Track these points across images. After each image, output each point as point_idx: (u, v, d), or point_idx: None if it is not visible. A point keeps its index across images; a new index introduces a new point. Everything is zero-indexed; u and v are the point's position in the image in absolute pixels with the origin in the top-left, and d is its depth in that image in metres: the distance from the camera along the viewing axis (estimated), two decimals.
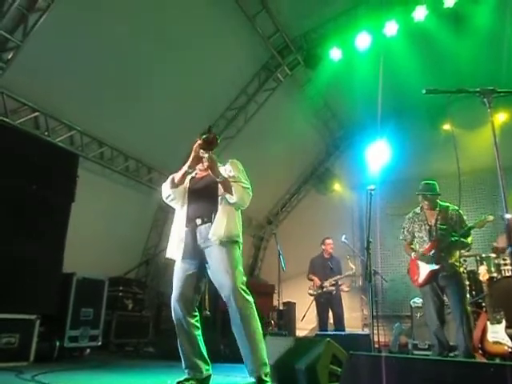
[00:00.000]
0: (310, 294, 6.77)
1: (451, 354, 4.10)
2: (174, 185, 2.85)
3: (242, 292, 2.59)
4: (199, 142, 2.64)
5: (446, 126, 7.84)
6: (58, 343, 4.41)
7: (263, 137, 8.12)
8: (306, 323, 7.52)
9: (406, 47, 6.57)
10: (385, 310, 8.26)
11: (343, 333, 6.07)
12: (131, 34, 5.69)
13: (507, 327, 4.35)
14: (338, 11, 6.83)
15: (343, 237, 6.49)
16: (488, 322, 4.45)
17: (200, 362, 2.75)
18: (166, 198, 2.92)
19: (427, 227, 4.23)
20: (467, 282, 5.69)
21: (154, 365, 4.55)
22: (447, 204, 4.30)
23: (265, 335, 3.68)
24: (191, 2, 5.98)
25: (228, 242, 2.69)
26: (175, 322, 2.77)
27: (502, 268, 5.56)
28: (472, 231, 4.18)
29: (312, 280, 6.82)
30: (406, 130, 8.53)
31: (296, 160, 9.71)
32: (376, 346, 4.49)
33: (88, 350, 4.92)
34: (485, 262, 5.53)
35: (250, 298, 2.63)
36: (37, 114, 5.50)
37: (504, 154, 2.25)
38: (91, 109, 5.96)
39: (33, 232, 4.14)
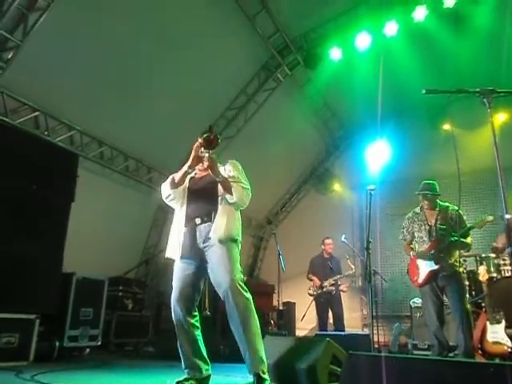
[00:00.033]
0: (310, 295, 6.77)
1: (451, 354, 4.10)
2: (174, 185, 2.85)
3: (240, 288, 2.59)
4: (200, 140, 2.64)
5: (446, 126, 7.83)
6: (57, 343, 4.41)
7: (263, 137, 8.12)
8: (305, 323, 7.53)
9: (406, 47, 6.58)
10: (384, 310, 8.26)
11: (343, 333, 6.07)
12: (131, 33, 5.69)
13: (507, 327, 4.35)
14: (338, 11, 6.83)
15: (343, 237, 6.49)
16: (487, 322, 4.45)
17: (200, 362, 2.75)
18: (166, 198, 2.92)
19: (427, 227, 4.23)
20: (467, 282, 5.69)
21: (153, 365, 4.54)
22: (447, 204, 4.31)
23: (264, 335, 3.69)
24: (191, 2, 5.98)
25: (227, 241, 2.70)
26: (175, 321, 2.77)
27: (502, 268, 5.56)
28: (472, 231, 4.18)
29: (312, 280, 6.82)
30: (406, 129, 8.52)
31: (296, 160, 9.71)
32: (376, 346, 4.49)
33: (88, 350, 4.92)
34: (484, 262, 5.53)
35: (249, 295, 2.63)
36: (37, 113, 5.50)
37: (504, 155, 2.25)
38: (91, 108, 5.96)
39: (33, 232, 4.14)
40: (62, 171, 4.60)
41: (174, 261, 2.87)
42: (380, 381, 1.85)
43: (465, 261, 5.79)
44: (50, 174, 4.43)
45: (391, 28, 6.44)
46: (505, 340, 4.27)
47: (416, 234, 4.33)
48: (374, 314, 4.34)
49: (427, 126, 8.28)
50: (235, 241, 2.77)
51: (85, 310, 4.80)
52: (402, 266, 7.52)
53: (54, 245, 4.36)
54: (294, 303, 8.22)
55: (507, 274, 5.46)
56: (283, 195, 10.61)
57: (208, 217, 2.76)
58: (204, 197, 2.83)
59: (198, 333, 2.81)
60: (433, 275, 4.08)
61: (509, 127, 7.02)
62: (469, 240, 4.16)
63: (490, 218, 4.10)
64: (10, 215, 3.96)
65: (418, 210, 4.40)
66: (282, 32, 7.02)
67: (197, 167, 2.86)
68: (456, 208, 4.17)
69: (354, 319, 8.49)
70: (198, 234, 2.77)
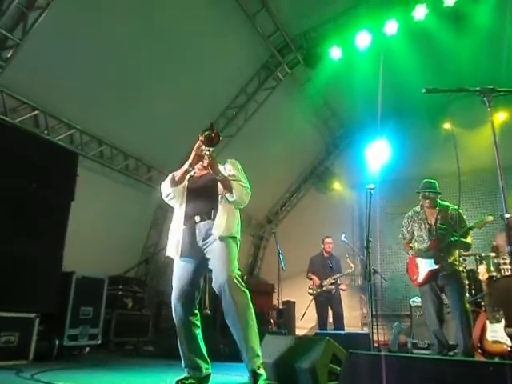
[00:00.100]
0: (310, 294, 6.78)
1: (450, 353, 4.11)
2: (175, 183, 2.85)
3: (237, 282, 2.59)
4: (201, 138, 2.64)
5: (446, 126, 7.83)
6: (57, 342, 4.41)
7: (263, 136, 8.12)
8: (305, 322, 7.53)
9: (406, 46, 6.57)
10: (384, 309, 8.27)
11: (343, 332, 6.08)
12: (131, 34, 5.68)
13: (506, 326, 4.36)
14: (338, 10, 6.82)
15: (343, 236, 6.50)
16: (487, 321, 4.46)
17: (200, 361, 2.76)
18: (166, 197, 2.92)
19: (427, 226, 4.23)
20: (467, 282, 5.70)
21: (153, 363, 4.55)
22: (447, 203, 4.31)
23: (264, 334, 3.69)
24: (191, 1, 5.97)
25: (227, 238, 2.70)
26: (176, 320, 2.77)
27: (502, 267, 5.56)
28: (471, 231, 4.18)
29: (311, 279, 6.83)
30: (406, 129, 8.52)
31: (296, 159, 9.71)
32: (375, 345, 4.50)
33: (87, 349, 4.92)
34: (484, 262, 5.53)
35: (246, 290, 2.63)
36: (36, 112, 5.50)
37: (504, 154, 2.25)
38: (91, 108, 5.96)
39: (33, 231, 4.13)
40: (61, 170, 4.59)
41: (173, 260, 2.87)
42: (380, 380, 1.85)
43: (464, 260, 5.80)
44: (50, 172, 4.43)
45: (391, 27, 6.43)
46: (504, 339, 4.28)
47: (416, 233, 4.33)
48: (374, 312, 4.35)
49: (427, 125, 8.28)
50: (234, 238, 2.77)
51: (85, 309, 4.80)
52: (402, 265, 7.52)
53: (54, 244, 4.36)
54: (294, 302, 8.23)
55: (507, 273, 5.46)
56: (283, 194, 10.62)
57: (208, 215, 2.77)
58: (204, 195, 2.83)
59: (199, 331, 2.82)
60: (432, 274, 4.08)
61: (509, 126, 7.02)
62: (469, 240, 4.16)
63: (490, 218, 4.11)
64: (9, 215, 3.95)
65: (418, 208, 4.40)
66: (282, 31, 7.01)
67: (196, 166, 2.86)
68: (456, 207, 4.17)
69: (353, 318, 8.50)
70: (197, 231, 2.77)
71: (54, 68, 5.25)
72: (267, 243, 10.62)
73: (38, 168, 4.30)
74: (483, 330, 4.45)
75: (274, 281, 6.66)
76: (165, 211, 7.53)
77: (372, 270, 4.31)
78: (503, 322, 4.39)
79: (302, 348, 3.01)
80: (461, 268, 4.37)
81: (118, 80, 5.94)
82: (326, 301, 6.63)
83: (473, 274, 5.75)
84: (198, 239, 2.76)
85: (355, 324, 8.51)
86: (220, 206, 2.77)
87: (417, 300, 6.09)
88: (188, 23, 6.07)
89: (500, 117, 7.49)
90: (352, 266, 6.82)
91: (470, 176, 7.56)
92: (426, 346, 5.60)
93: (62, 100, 5.66)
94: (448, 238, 4.08)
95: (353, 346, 2.35)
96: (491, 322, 4.43)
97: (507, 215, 2.18)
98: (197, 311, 2.84)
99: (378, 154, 8.31)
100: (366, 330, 7.50)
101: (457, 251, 4.20)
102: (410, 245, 4.42)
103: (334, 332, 5.81)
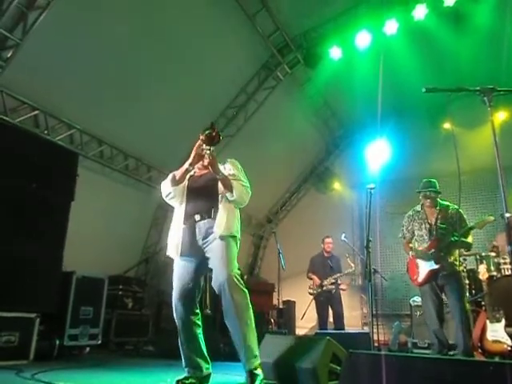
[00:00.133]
0: (310, 293, 6.78)
1: (451, 353, 4.11)
2: (175, 182, 2.86)
3: (237, 281, 2.59)
4: (201, 137, 2.65)
5: (446, 125, 7.83)
6: (57, 342, 4.41)
7: (263, 135, 8.12)
8: (305, 322, 7.53)
9: (406, 46, 6.57)
10: (384, 308, 8.27)
11: (343, 331, 6.09)
12: (131, 34, 5.68)
13: (507, 326, 4.36)
14: (338, 10, 6.82)
15: (343, 235, 6.50)
16: (487, 321, 4.46)
17: (200, 361, 2.76)
18: (166, 196, 2.92)
19: (427, 225, 4.23)
20: (467, 281, 5.71)
21: (153, 363, 4.55)
22: (447, 203, 4.30)
23: (264, 334, 3.69)
24: (191, 1, 5.97)
25: (227, 237, 2.71)
26: (177, 320, 2.77)
27: (502, 267, 5.57)
28: (472, 231, 4.18)
29: (312, 279, 6.83)
30: (406, 128, 8.52)
31: (296, 159, 9.71)
32: (376, 344, 4.50)
33: (88, 349, 4.92)
34: (484, 261, 5.53)
35: (245, 290, 2.63)
36: (36, 112, 5.50)
37: (504, 153, 2.25)
38: (91, 108, 5.96)
39: (33, 231, 4.13)
40: (61, 170, 4.59)
41: (173, 259, 2.87)
42: (380, 379, 1.85)
43: (465, 259, 5.80)
44: (50, 172, 4.43)
45: (391, 27, 6.43)
46: (505, 338, 4.28)
47: (416, 233, 4.33)
48: (374, 312, 4.34)
49: (427, 124, 8.28)
50: (234, 238, 2.77)
51: (85, 309, 4.80)
52: (402, 264, 7.52)
53: (54, 244, 4.36)
54: (294, 302, 8.23)
55: (507, 273, 5.47)
56: (283, 194, 10.62)
57: (208, 213, 2.77)
58: (204, 194, 2.84)
59: (200, 331, 2.82)
60: (432, 274, 4.08)
61: (509, 126, 7.01)
62: (470, 239, 4.15)
63: (491, 218, 4.11)
64: (9, 215, 3.95)
65: (418, 208, 4.40)
66: (282, 31, 7.01)
67: (197, 165, 2.86)
68: (456, 207, 4.17)
69: (354, 318, 8.50)
70: (197, 230, 2.77)
71: (53, 68, 5.25)
72: (267, 243, 10.63)
73: (38, 168, 4.30)
74: (483, 330, 4.45)
75: (274, 280, 6.66)
76: (165, 211, 7.53)
77: (372, 270, 4.31)
78: (503, 321, 4.39)
79: (303, 348, 3.01)
80: (461, 268, 4.36)
81: (117, 80, 5.94)
82: (326, 300, 6.63)
83: (473, 274, 5.75)
84: (197, 238, 2.76)
85: (355, 324, 8.51)
86: (220, 206, 2.77)
87: (417, 300, 6.09)
88: (188, 23, 6.07)
89: (500, 116, 7.49)
90: (352, 265, 6.82)
91: (470, 176, 7.56)
92: (426, 345, 5.60)
93: (62, 100, 5.66)
94: (448, 237, 4.08)
95: (353, 346, 2.35)
96: (491, 322, 4.43)
97: (507, 214, 2.18)
98: (198, 310, 2.84)
99: (377, 153, 8.31)
100: (366, 330, 7.50)
101: (457, 251, 4.20)
102: (410, 245, 4.42)
103: (334, 332, 5.81)
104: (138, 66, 6.04)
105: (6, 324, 3.77)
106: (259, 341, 3.34)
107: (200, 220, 2.77)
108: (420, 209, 4.37)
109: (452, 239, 4.05)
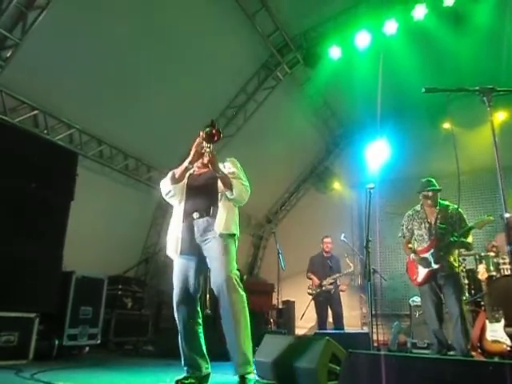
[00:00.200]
0: (309, 294, 6.77)
1: (450, 353, 4.11)
2: (175, 180, 2.85)
3: (236, 284, 2.59)
4: (202, 134, 2.64)
5: (446, 125, 7.83)
6: (57, 341, 4.41)
7: (263, 135, 8.11)
8: (305, 322, 7.53)
9: (406, 46, 6.57)
10: (384, 308, 8.27)
11: (342, 331, 6.09)
12: (131, 33, 5.68)
13: (506, 326, 4.36)
14: (338, 10, 6.82)
15: (342, 235, 6.50)
16: (487, 321, 4.46)
17: (200, 360, 2.76)
18: (166, 195, 2.92)
19: (427, 225, 4.23)
20: (466, 281, 5.72)
21: (153, 363, 4.54)
22: (447, 203, 4.31)
23: (264, 334, 3.69)
24: (191, 1, 5.97)
25: (226, 235, 2.71)
26: (177, 318, 2.77)
27: (501, 267, 5.57)
28: (472, 231, 4.18)
29: (311, 279, 6.82)
30: (406, 128, 8.52)
31: (295, 158, 9.71)
32: (375, 344, 4.50)
33: (87, 349, 4.92)
34: (484, 261, 5.54)
35: (243, 293, 2.62)
36: (36, 112, 5.50)
37: (503, 153, 2.25)
38: (90, 107, 5.96)
39: (32, 232, 4.13)
40: (61, 170, 4.59)
41: (173, 259, 2.87)
42: (379, 379, 1.85)
43: (464, 260, 5.80)
44: (50, 172, 4.43)
45: (391, 26, 6.43)
46: (504, 338, 4.28)
47: (416, 232, 4.33)
48: (374, 312, 4.35)
49: (427, 124, 8.28)
50: (233, 236, 2.78)
51: (84, 309, 4.80)
52: (402, 264, 7.52)
53: (54, 244, 4.35)
54: (294, 302, 8.23)
55: (506, 273, 5.47)
56: (283, 194, 10.62)
57: (206, 211, 2.77)
58: (203, 193, 2.84)
59: (200, 330, 2.82)
60: (432, 274, 4.08)
61: (508, 126, 7.02)
62: (470, 239, 4.15)
63: (490, 218, 4.11)
64: (9, 215, 3.95)
65: (418, 207, 4.40)
66: (281, 30, 7.01)
67: (196, 164, 2.86)
68: (456, 207, 4.17)
69: (353, 318, 8.50)
70: (195, 228, 2.77)
71: (53, 68, 5.25)
72: (267, 243, 10.62)
73: (38, 168, 4.30)
74: (483, 330, 4.46)
75: (274, 280, 6.66)
76: (164, 211, 7.53)
77: (371, 270, 4.32)
78: (503, 321, 4.39)
79: (302, 348, 3.01)
80: (460, 268, 4.37)
81: (117, 79, 5.94)
82: (326, 301, 6.63)
83: (472, 274, 5.76)
84: (196, 236, 2.76)
85: (355, 324, 8.51)
86: (220, 204, 2.78)
87: (416, 299, 6.09)
88: (188, 23, 6.06)
89: (499, 116, 7.49)
90: (351, 265, 6.82)
91: (469, 175, 7.56)
92: (425, 345, 5.60)
93: (62, 100, 5.65)
94: (448, 237, 4.08)
95: (352, 346, 2.35)
96: (491, 322, 4.43)
97: (507, 215, 2.18)
98: (198, 309, 2.84)
99: (377, 153, 8.31)
100: (365, 330, 7.50)
101: (456, 251, 4.20)
102: (410, 245, 4.41)
103: (333, 332, 5.81)
104: (138, 65, 6.04)
105: (5, 324, 3.77)
106: (258, 341, 3.35)
107: (198, 218, 2.77)
108: (420, 208, 4.37)
109: (451, 239, 4.05)
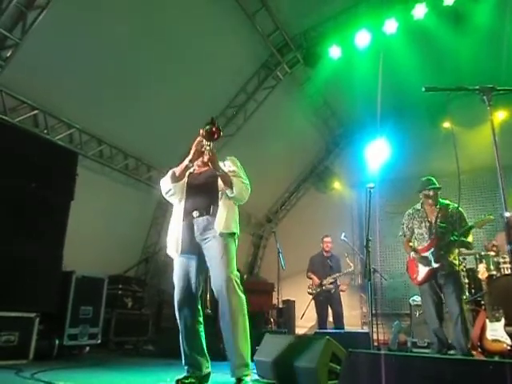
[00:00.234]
0: (309, 293, 6.78)
1: (450, 352, 4.11)
2: (175, 178, 2.85)
3: (236, 285, 2.59)
4: (202, 132, 2.64)
5: (446, 124, 7.83)
6: (57, 341, 4.41)
7: (263, 135, 8.11)
8: (305, 321, 7.53)
9: (406, 45, 6.56)
10: (384, 308, 8.27)
11: (342, 331, 6.09)
12: (131, 33, 5.68)
13: (506, 325, 4.36)
14: (338, 10, 6.82)
15: (342, 235, 6.50)
16: (487, 320, 4.46)
17: (201, 359, 2.76)
18: (166, 193, 2.92)
19: (427, 224, 4.23)
20: (466, 280, 5.71)
21: (153, 363, 4.54)
22: (447, 202, 4.31)
23: (264, 333, 3.69)
24: (191, 1, 5.96)
25: (226, 234, 2.71)
26: (178, 318, 2.77)
27: (502, 266, 5.57)
28: (472, 230, 4.18)
29: (311, 279, 6.83)
30: (406, 128, 8.52)
31: (295, 158, 9.71)
32: (375, 344, 4.50)
33: (87, 348, 4.92)
34: (484, 260, 5.54)
35: (243, 295, 2.62)
36: (36, 111, 5.49)
37: (503, 153, 2.25)
38: (90, 107, 5.96)
39: (33, 231, 4.13)
40: (61, 170, 4.59)
41: (173, 258, 2.87)
42: (379, 378, 1.85)
43: (464, 259, 5.80)
44: (50, 172, 4.43)
45: (391, 26, 6.43)
46: (504, 338, 4.28)
47: (416, 231, 4.33)
48: (374, 312, 4.34)
49: (427, 124, 8.28)
50: (233, 235, 2.77)
51: (84, 309, 4.80)
52: (402, 263, 7.53)
53: (54, 243, 4.36)
54: (294, 301, 8.23)
55: (507, 272, 5.47)
56: (283, 193, 10.61)
57: (206, 210, 2.76)
58: (204, 191, 2.83)
59: (202, 329, 2.82)
60: (432, 273, 4.08)
61: (508, 125, 7.01)
62: (470, 239, 4.15)
63: (490, 217, 4.11)
64: (9, 215, 3.95)
65: (418, 206, 4.40)
66: (281, 30, 7.01)
67: (196, 162, 2.86)
68: (456, 206, 4.17)
69: (353, 317, 8.50)
70: (195, 227, 2.77)
71: (53, 67, 5.24)
72: (267, 242, 10.62)
73: (38, 168, 4.30)
74: (483, 329, 4.45)
75: (274, 280, 6.66)
76: (164, 210, 7.53)
77: (372, 269, 4.32)
78: (503, 320, 4.39)
79: (302, 347, 3.01)
80: (461, 267, 4.36)
81: (117, 79, 5.93)
82: (326, 300, 6.63)
83: (472, 273, 5.75)
84: (196, 235, 2.76)
85: (355, 323, 8.51)
86: (220, 203, 2.77)
87: (417, 299, 6.09)
88: (188, 23, 6.06)
89: (499, 115, 7.48)
90: (351, 265, 6.83)
91: (469, 175, 7.56)
92: (425, 344, 5.60)
93: (62, 99, 5.65)
94: (448, 236, 4.08)
95: (352, 345, 2.35)
96: (491, 321, 4.43)
97: (507, 214, 2.18)
98: (199, 307, 2.84)
99: (377, 152, 8.30)
100: (365, 329, 7.51)
101: (456, 250, 4.20)
102: (410, 244, 4.42)
103: (333, 331, 5.81)
104: (138, 65, 6.04)
105: (5, 324, 3.77)
106: (258, 341, 3.35)
107: (198, 216, 2.77)
108: (420, 207, 4.37)
109: (452, 238, 4.05)
